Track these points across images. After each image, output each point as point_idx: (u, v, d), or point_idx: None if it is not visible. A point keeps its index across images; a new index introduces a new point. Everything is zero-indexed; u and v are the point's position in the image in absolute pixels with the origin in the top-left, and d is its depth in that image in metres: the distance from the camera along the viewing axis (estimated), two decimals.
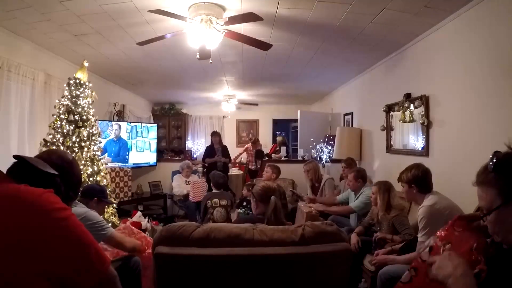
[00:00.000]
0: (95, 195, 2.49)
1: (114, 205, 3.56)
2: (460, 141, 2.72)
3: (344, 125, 5.93)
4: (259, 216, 2.29)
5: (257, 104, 8.54)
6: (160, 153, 7.47)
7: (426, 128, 3.17)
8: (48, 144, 3.12)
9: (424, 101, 3.17)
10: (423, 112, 3.19)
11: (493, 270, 0.94)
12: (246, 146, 7.63)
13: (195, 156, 7.86)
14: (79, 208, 2.27)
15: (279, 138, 7.92)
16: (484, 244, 1.04)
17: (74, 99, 3.25)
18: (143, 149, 6.08)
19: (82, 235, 1.03)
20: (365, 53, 4.03)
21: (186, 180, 5.50)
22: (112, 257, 2.49)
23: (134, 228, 2.82)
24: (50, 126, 3.23)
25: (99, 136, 3.47)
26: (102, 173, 3.39)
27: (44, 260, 0.93)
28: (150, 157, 6.24)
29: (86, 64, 3.43)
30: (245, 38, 3.02)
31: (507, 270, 0.90)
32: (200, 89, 6.84)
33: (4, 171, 1.11)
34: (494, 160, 0.93)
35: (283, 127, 10.45)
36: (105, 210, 3.33)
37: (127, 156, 5.68)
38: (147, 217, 3.78)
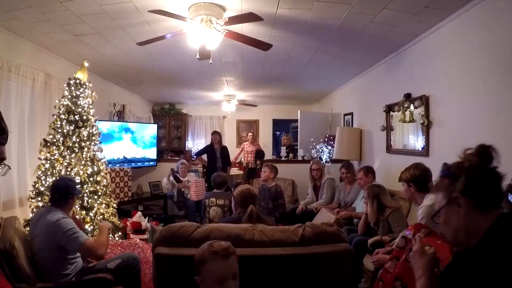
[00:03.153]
0: (73, 193, 2.31)
1: (114, 205, 3.55)
2: (460, 141, 2.71)
3: (344, 125, 5.93)
4: (240, 216, 2.34)
5: (256, 106, 8.53)
6: (160, 153, 7.47)
7: (426, 128, 3.17)
8: (48, 144, 3.12)
9: (424, 101, 3.17)
10: (423, 112, 3.19)
11: (449, 276, 1.01)
12: (242, 145, 7.62)
13: (195, 156, 7.85)
14: (52, 215, 2.14)
15: (285, 140, 7.19)
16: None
17: (74, 99, 3.24)
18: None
19: None
20: (365, 53, 4.03)
21: (184, 180, 5.47)
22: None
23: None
24: (50, 126, 3.22)
25: (99, 136, 3.47)
26: (102, 173, 3.39)
27: None
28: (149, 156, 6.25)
29: (86, 64, 3.43)
30: (245, 38, 3.02)
31: (462, 274, 0.96)
32: (200, 89, 6.84)
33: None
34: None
35: (283, 127, 10.44)
36: (106, 210, 3.33)
37: None
38: (147, 217, 3.79)
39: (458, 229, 1.01)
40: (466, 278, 0.93)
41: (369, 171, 3.62)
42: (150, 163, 6.30)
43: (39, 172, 3.06)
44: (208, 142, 7.14)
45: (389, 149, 4.05)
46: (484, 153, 1.05)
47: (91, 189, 3.19)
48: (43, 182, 3.03)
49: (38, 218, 2.23)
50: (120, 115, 6.11)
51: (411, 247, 1.25)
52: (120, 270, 2.27)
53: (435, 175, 2.36)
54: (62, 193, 2.27)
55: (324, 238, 1.76)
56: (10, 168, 0.85)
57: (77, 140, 3.19)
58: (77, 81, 3.29)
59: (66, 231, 2.08)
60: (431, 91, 3.13)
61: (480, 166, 1.02)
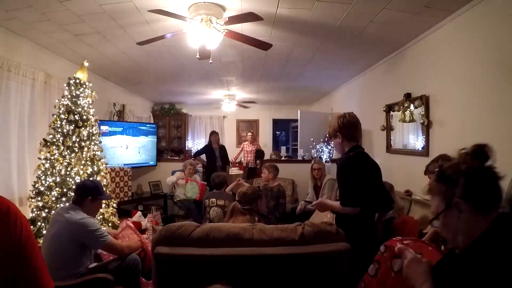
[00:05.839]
0: (89, 194, 2.33)
1: (114, 205, 3.55)
2: (460, 141, 2.71)
3: None
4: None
5: (250, 105, 8.41)
6: (160, 153, 7.46)
7: (426, 128, 3.17)
8: (48, 143, 3.12)
9: (424, 101, 3.17)
10: (423, 112, 3.19)
11: (445, 276, 1.00)
12: (242, 145, 7.62)
13: (193, 158, 7.83)
14: (75, 214, 2.21)
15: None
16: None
17: (74, 99, 3.25)
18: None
19: None
20: (365, 53, 4.03)
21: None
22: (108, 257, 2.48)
23: (132, 226, 2.82)
24: (50, 126, 3.22)
25: (99, 136, 3.47)
26: (102, 173, 3.39)
27: None
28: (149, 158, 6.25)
29: (86, 64, 3.43)
30: (245, 38, 3.02)
31: (459, 275, 0.95)
32: (200, 88, 6.84)
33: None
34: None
35: (283, 127, 10.45)
36: (106, 210, 3.33)
37: None
38: (147, 217, 3.78)
39: (458, 232, 1.00)
40: (458, 277, 0.93)
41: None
42: (150, 162, 6.30)
43: (39, 172, 3.06)
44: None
45: (389, 149, 4.04)
46: (480, 153, 1.03)
47: None
48: (43, 181, 3.03)
49: (57, 214, 2.31)
50: (120, 115, 6.11)
51: (392, 254, 1.26)
52: (120, 271, 2.27)
53: None
54: (79, 193, 2.35)
55: (324, 237, 1.76)
56: None
57: (77, 139, 3.19)
58: (77, 81, 3.29)
59: (94, 230, 2.19)
60: (431, 91, 3.13)
61: (478, 169, 1.00)
